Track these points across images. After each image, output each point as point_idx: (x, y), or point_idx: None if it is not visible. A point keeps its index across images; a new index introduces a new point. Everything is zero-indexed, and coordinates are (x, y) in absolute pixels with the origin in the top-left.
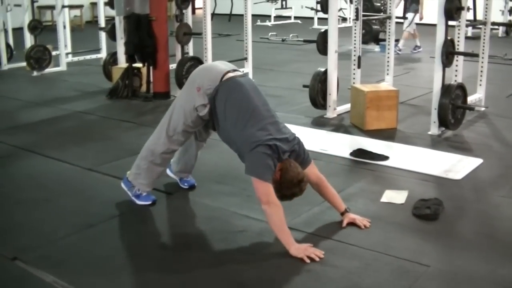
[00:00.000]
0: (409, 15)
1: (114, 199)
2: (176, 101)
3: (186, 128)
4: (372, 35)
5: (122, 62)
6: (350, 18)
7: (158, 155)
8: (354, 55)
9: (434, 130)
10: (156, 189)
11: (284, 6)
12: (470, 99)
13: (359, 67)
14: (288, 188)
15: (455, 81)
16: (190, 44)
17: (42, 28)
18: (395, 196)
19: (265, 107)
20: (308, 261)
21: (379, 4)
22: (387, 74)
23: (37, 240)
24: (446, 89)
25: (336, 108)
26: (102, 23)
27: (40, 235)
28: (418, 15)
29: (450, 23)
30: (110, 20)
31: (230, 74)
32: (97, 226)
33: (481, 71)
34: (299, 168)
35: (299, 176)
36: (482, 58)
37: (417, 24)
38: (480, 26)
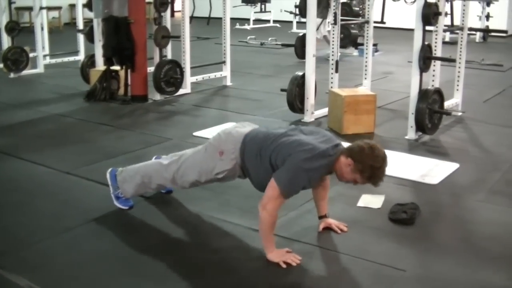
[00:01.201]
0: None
1: (91, 203)
2: (194, 154)
3: (195, 182)
4: (350, 40)
5: (100, 65)
6: (328, 23)
7: (154, 183)
8: (332, 59)
9: (411, 134)
10: None
11: (263, 10)
12: (447, 104)
13: (337, 71)
14: (367, 156)
15: (432, 86)
16: (169, 47)
17: (20, 29)
18: (372, 201)
19: (288, 129)
20: (284, 266)
21: (357, 9)
22: (365, 78)
23: (12, 244)
24: (423, 94)
25: (313, 112)
26: (80, 25)
27: (16, 239)
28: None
29: (428, 28)
30: (88, 22)
31: (250, 130)
32: (73, 230)
33: (458, 76)
34: (356, 141)
35: (366, 142)
36: (459, 63)
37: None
38: (458, 32)
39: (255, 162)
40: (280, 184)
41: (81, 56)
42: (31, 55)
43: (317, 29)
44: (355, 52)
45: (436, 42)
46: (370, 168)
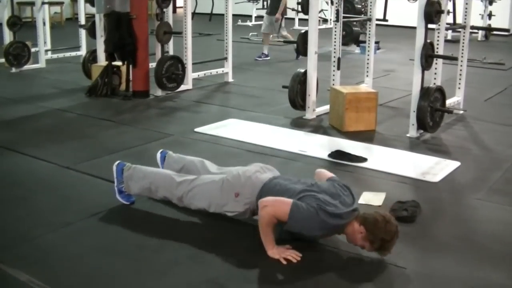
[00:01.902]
0: (270, 18)
1: (91, 198)
2: (207, 184)
3: (202, 210)
4: (352, 37)
5: (102, 60)
6: (330, 20)
7: (161, 194)
8: (334, 57)
9: (412, 132)
10: None
11: (265, 6)
12: (449, 102)
13: (338, 68)
14: (379, 228)
15: (434, 84)
16: (170, 43)
17: (22, 24)
18: (373, 198)
19: (306, 185)
20: (284, 262)
21: (360, 6)
22: (367, 76)
23: (12, 239)
24: (425, 92)
25: (315, 109)
26: (82, 20)
27: (16, 234)
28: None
29: (430, 26)
30: (90, 18)
31: (270, 178)
32: (74, 225)
33: (460, 75)
34: (372, 212)
35: (381, 214)
36: (461, 61)
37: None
38: (460, 30)
39: None
40: (293, 211)
41: (82, 51)
42: (32, 50)
43: (279, 28)
44: (357, 50)
45: (438, 40)
46: (380, 241)
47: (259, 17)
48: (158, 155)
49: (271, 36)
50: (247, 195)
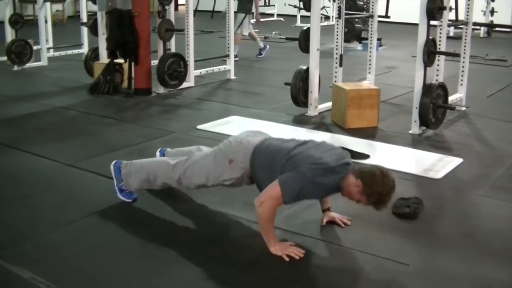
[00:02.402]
0: (240, 16)
1: (94, 196)
2: (202, 158)
3: (202, 186)
4: (354, 34)
5: (104, 58)
6: (332, 17)
7: (160, 181)
8: (336, 54)
9: (415, 129)
10: None
11: (267, 4)
12: (451, 98)
13: (341, 65)
14: (376, 182)
15: (436, 80)
16: (172, 40)
17: (24, 22)
18: None
19: (299, 142)
20: (287, 259)
21: (361, 3)
22: (369, 72)
23: (15, 237)
24: (427, 88)
25: (317, 106)
26: (84, 18)
27: (19, 232)
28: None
29: (432, 22)
30: (92, 15)
31: (261, 141)
32: (76, 223)
33: (462, 71)
34: (369, 165)
35: (378, 168)
36: (464, 58)
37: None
38: (462, 26)
39: (265, 174)
40: (284, 190)
41: (84, 49)
42: (34, 48)
43: (239, 26)
44: (359, 47)
45: (440, 37)
46: (377, 195)
47: (261, 15)
48: (157, 153)
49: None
50: (240, 160)
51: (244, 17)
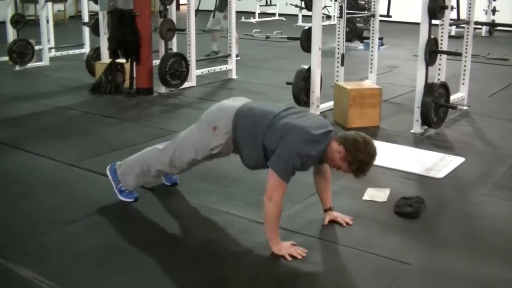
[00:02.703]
0: (219, 15)
1: (95, 195)
2: (187, 134)
3: (193, 161)
4: (356, 33)
5: (105, 58)
6: (334, 16)
7: (154, 170)
8: (338, 53)
9: (416, 128)
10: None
11: (268, 3)
12: (453, 98)
13: (342, 64)
14: (359, 149)
15: (438, 79)
16: (174, 40)
17: (25, 22)
18: (377, 194)
19: (282, 108)
20: (289, 259)
21: (363, 2)
22: (371, 72)
23: (17, 236)
24: (429, 87)
25: (319, 105)
26: (85, 18)
27: (20, 231)
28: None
29: (434, 22)
30: (93, 15)
31: (242, 105)
32: (78, 222)
33: (464, 70)
34: (352, 132)
35: (361, 135)
36: (465, 57)
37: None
38: (464, 25)
39: (247, 139)
40: (278, 171)
41: (86, 49)
42: (36, 48)
43: (215, 24)
44: (361, 46)
45: (442, 36)
46: (359, 162)
47: (262, 14)
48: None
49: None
50: (224, 125)
51: (213, 14)
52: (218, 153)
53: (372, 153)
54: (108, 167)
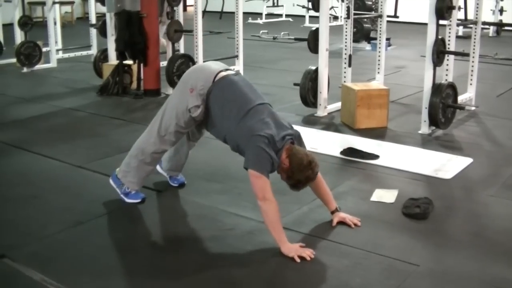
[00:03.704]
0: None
1: (103, 197)
2: (168, 101)
3: (178, 129)
4: (363, 34)
5: (113, 59)
6: (341, 17)
7: (148, 154)
8: (345, 54)
9: (424, 129)
10: (146, 187)
11: (275, 4)
12: (461, 98)
13: (350, 65)
14: (300, 171)
15: (446, 80)
16: (181, 41)
17: (33, 24)
18: (385, 195)
19: (260, 100)
20: (298, 260)
21: (370, 3)
22: (378, 72)
23: (25, 238)
24: (436, 88)
25: (326, 106)
26: (93, 19)
27: (28, 233)
28: None
29: (441, 22)
30: (101, 17)
31: (223, 73)
32: (86, 224)
33: (472, 70)
34: (305, 150)
35: (308, 157)
36: (473, 57)
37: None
38: (471, 26)
39: (215, 111)
40: (260, 170)
41: (93, 51)
42: (43, 49)
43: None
44: (368, 47)
45: (449, 36)
46: (296, 180)
47: (269, 15)
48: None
49: None
50: (200, 86)
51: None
52: (197, 116)
53: (310, 177)
54: (110, 176)
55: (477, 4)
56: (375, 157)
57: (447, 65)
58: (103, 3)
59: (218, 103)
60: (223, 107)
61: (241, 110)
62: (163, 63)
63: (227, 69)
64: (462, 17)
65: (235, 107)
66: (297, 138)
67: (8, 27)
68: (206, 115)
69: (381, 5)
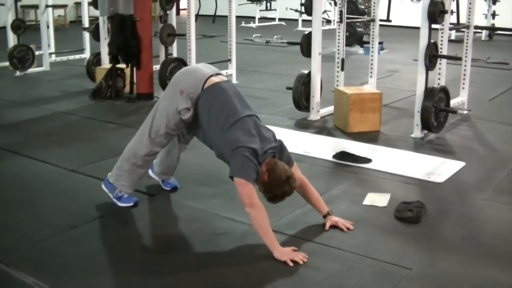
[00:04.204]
0: None
1: (96, 200)
2: (159, 103)
3: (168, 130)
4: (356, 38)
5: (106, 63)
6: (334, 20)
7: (140, 157)
8: (338, 58)
9: (417, 133)
10: (138, 191)
11: (268, 8)
12: (453, 102)
13: (342, 69)
14: (278, 186)
15: (438, 84)
16: (174, 45)
17: (26, 27)
18: (378, 199)
19: (247, 111)
20: (291, 264)
21: (363, 7)
22: (371, 76)
23: (18, 241)
24: (429, 92)
25: (319, 110)
26: (86, 23)
27: (21, 236)
28: None
29: (434, 26)
30: (94, 20)
31: (214, 79)
32: (79, 228)
33: (464, 74)
34: (285, 165)
35: (287, 173)
36: (465, 61)
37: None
38: (464, 30)
39: (202, 117)
40: (246, 177)
41: (86, 54)
42: (36, 53)
43: None
44: (361, 50)
45: (442, 40)
46: (273, 194)
47: (262, 19)
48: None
49: None
50: (190, 89)
51: None
52: (187, 119)
53: (288, 192)
54: (102, 182)
55: (470, 8)
56: (368, 161)
57: (440, 69)
58: (96, 7)
59: (206, 110)
60: (210, 114)
61: (228, 120)
62: (156, 67)
63: (218, 74)
64: (455, 21)
65: (223, 117)
66: (279, 150)
67: (1, 30)
68: (194, 119)
69: (374, 9)
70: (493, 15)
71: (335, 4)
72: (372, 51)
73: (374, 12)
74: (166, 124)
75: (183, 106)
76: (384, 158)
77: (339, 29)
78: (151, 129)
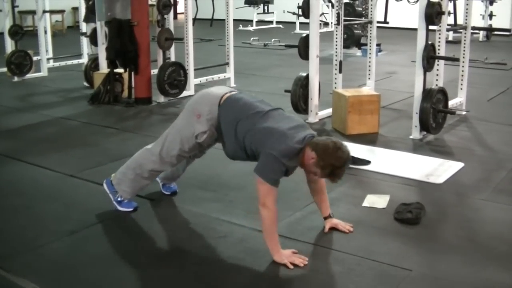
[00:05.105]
0: None
1: (95, 206)
2: (173, 126)
3: (181, 153)
4: (353, 40)
5: (104, 68)
6: (331, 23)
7: (146, 171)
8: (336, 60)
9: (415, 134)
10: (138, 195)
11: (266, 11)
12: (451, 103)
13: (340, 71)
14: (330, 155)
15: (436, 85)
16: (172, 49)
17: (23, 33)
18: (377, 201)
19: (272, 107)
20: (291, 267)
21: (360, 9)
22: (369, 78)
23: (17, 248)
24: (427, 93)
25: (317, 112)
26: (83, 28)
27: (21, 243)
28: None
29: (431, 27)
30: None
31: (228, 95)
32: (78, 233)
33: (462, 75)
34: (323, 137)
35: (330, 141)
36: (463, 62)
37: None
38: (461, 31)
39: (230, 131)
40: (265, 177)
41: (84, 59)
42: (34, 58)
43: None
44: (359, 52)
45: (439, 42)
46: (331, 167)
47: (260, 22)
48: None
49: None
50: (207, 112)
51: None
52: (204, 141)
53: (343, 158)
54: (104, 180)
55: (467, 9)
56: (367, 162)
57: (438, 70)
58: (93, 12)
59: (229, 123)
60: (233, 126)
61: (250, 123)
62: (154, 71)
63: (231, 91)
64: (452, 22)
65: (245, 123)
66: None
67: None
68: (219, 136)
69: (371, 11)
70: (490, 15)
71: (333, 6)
72: (370, 53)
73: (371, 14)
74: (179, 148)
75: (200, 130)
76: (383, 160)
77: (336, 31)
78: (162, 149)
